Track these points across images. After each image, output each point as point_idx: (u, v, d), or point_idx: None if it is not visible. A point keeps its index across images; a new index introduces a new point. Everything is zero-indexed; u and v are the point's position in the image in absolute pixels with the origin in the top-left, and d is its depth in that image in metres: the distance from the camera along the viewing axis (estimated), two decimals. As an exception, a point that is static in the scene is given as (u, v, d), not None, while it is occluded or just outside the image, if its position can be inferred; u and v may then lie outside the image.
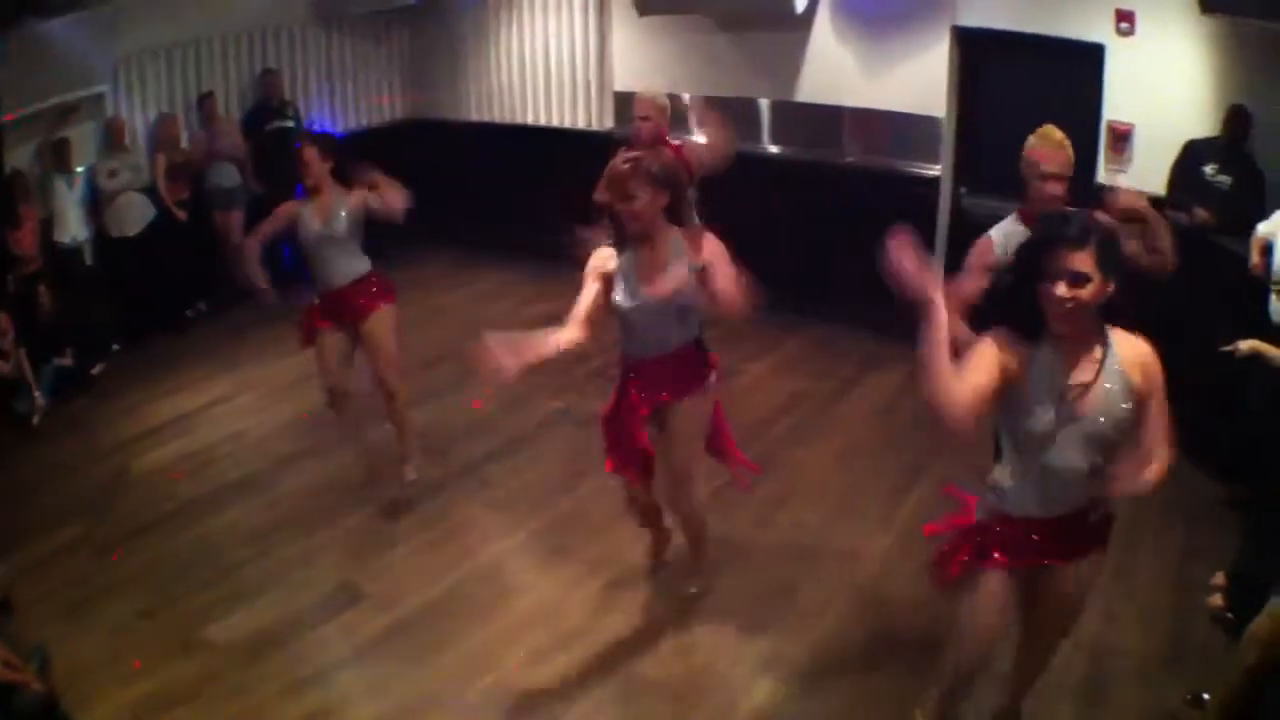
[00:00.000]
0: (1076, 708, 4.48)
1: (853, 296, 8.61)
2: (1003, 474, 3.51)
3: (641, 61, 10.10)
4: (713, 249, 4.64)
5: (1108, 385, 3.30)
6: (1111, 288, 3.21)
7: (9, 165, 8.75)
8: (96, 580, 5.92)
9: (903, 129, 8.46)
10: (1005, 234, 4.67)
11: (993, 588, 3.53)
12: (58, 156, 9.03)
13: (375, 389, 6.48)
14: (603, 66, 10.54)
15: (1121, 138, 7.08)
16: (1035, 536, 3.48)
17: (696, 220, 5.28)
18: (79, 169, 9.22)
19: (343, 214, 6.07)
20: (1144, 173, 6.89)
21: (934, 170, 8.32)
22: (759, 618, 5.20)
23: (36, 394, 8.10)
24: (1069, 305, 3.16)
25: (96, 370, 8.96)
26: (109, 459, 7.47)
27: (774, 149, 9.41)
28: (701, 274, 4.57)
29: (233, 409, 8.21)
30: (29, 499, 6.90)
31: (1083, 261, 3.12)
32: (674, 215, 4.65)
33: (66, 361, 8.63)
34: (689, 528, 5.25)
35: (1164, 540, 5.64)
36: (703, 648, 5.07)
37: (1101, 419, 3.30)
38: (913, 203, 8.24)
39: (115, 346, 9.39)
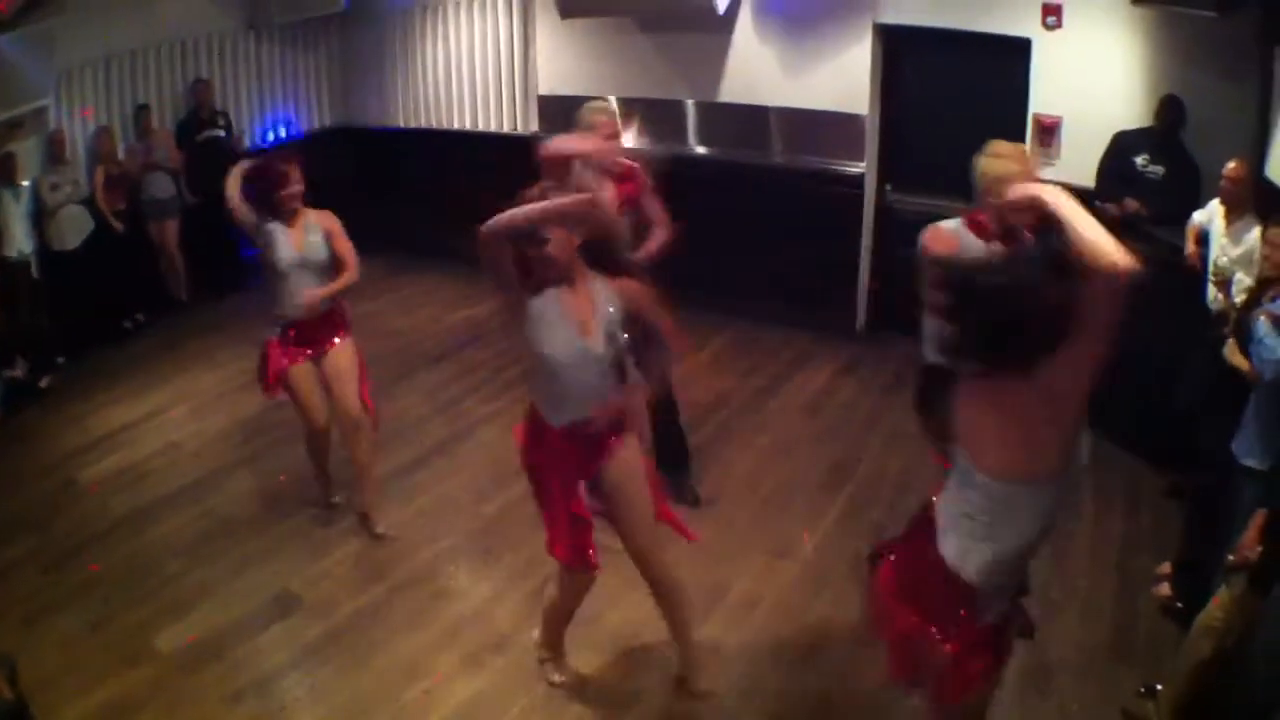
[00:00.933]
0: (1024, 698, 4.47)
1: (780, 294, 8.63)
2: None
3: (565, 65, 10.05)
4: (636, 294, 4.31)
5: None
6: None
7: None
8: (45, 595, 5.92)
9: (827, 127, 8.44)
10: (959, 236, 4.34)
11: None
12: (4, 170, 8.94)
13: (338, 425, 6.14)
14: (527, 70, 10.48)
15: (1048, 130, 7.12)
16: None
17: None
18: (24, 183, 9.14)
19: (319, 239, 5.75)
20: (1071, 165, 6.93)
21: (858, 168, 8.33)
22: (692, 614, 5.03)
23: None
24: None
25: (45, 383, 8.92)
26: (55, 471, 7.45)
27: (701, 150, 9.38)
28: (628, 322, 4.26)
29: (168, 421, 8.15)
30: None
31: None
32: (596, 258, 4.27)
33: (17, 373, 8.60)
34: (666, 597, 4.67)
35: (1102, 529, 5.67)
36: (635, 647, 5.03)
37: None
38: (839, 201, 8.33)
39: (60, 359, 9.32)
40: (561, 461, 4.29)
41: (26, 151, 9.25)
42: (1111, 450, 6.46)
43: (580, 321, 4.13)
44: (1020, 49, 7.14)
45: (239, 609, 5.67)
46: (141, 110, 10.15)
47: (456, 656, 5.10)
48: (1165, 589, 4.99)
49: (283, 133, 11.64)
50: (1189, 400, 5.58)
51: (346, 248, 5.77)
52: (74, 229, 9.43)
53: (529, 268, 4.10)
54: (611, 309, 4.20)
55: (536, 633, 4.89)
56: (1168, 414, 5.83)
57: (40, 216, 9.27)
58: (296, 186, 5.69)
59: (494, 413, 7.51)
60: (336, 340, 5.93)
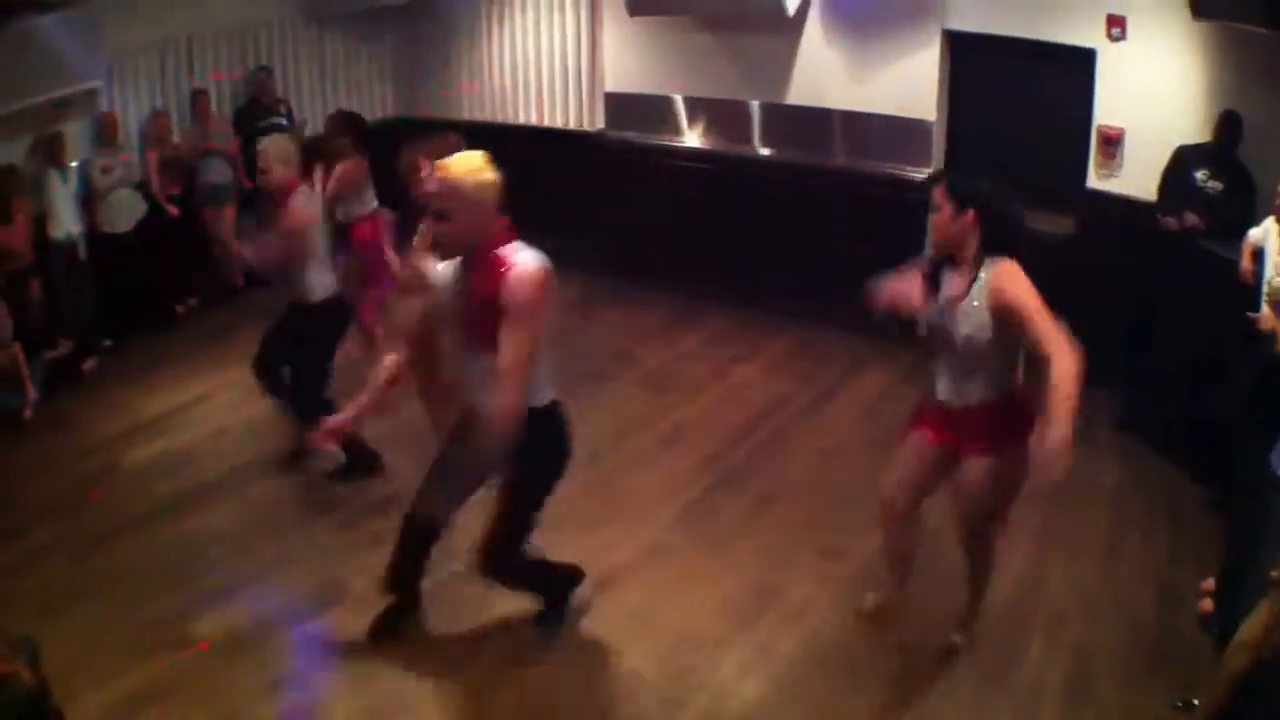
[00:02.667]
0: (1063, 707, 4.50)
1: (840, 299, 8.65)
2: None
3: (632, 62, 10.11)
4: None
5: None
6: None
7: (2, 159, 8.73)
8: (75, 579, 5.90)
9: (892, 132, 8.44)
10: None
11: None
12: (52, 151, 8.98)
13: None
14: (594, 67, 10.52)
15: (1111, 142, 7.08)
16: None
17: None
18: (73, 164, 9.18)
19: None
20: (1133, 177, 6.92)
21: (923, 174, 8.29)
22: (744, 617, 5.22)
23: (29, 388, 8.10)
24: None
25: (88, 366, 8.96)
26: (94, 456, 7.41)
27: (764, 151, 9.40)
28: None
29: (217, 406, 8.13)
30: (13, 495, 6.87)
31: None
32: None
33: (59, 352, 8.66)
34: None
35: (1148, 543, 5.68)
36: (689, 647, 5.05)
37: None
38: (902, 206, 8.23)
39: (107, 342, 9.38)
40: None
41: (75, 133, 9.26)
42: (1159, 463, 6.48)
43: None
44: (1085, 59, 7.10)
45: (279, 599, 5.65)
46: (199, 95, 10.15)
47: (506, 652, 5.07)
48: (1207, 604, 4.99)
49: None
50: (1230, 414, 5.62)
51: None
52: (125, 212, 9.47)
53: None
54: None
55: None
56: (1211, 426, 5.86)
57: (89, 199, 9.29)
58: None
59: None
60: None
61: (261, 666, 5.10)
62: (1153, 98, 6.90)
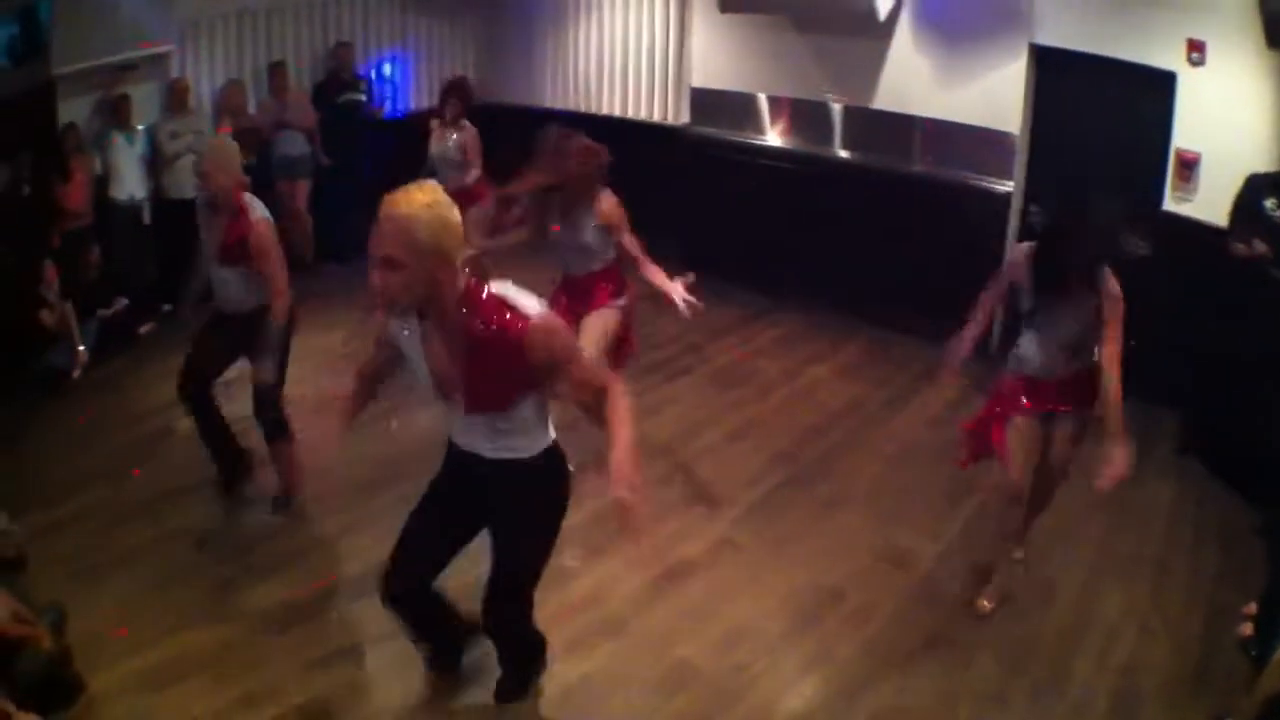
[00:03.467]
0: None
1: (913, 305, 8.72)
2: None
3: (720, 58, 10.19)
4: None
5: None
6: None
7: (65, 117, 8.80)
8: (118, 544, 5.89)
9: (975, 142, 8.47)
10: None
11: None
12: (118, 113, 9.03)
13: None
14: (681, 61, 10.60)
15: (1188, 166, 7.07)
16: None
17: None
18: (140, 127, 9.23)
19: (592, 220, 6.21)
20: (1207, 203, 6.90)
21: (1005, 186, 8.34)
22: (806, 617, 5.30)
23: (79, 349, 8.15)
24: None
25: (145, 329, 9.03)
26: (146, 421, 7.43)
27: (844, 154, 9.47)
28: None
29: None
30: (56, 458, 6.92)
31: None
32: None
33: (114, 310, 8.76)
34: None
35: (1198, 563, 5.73)
36: (748, 644, 5.10)
37: None
38: (981, 217, 8.36)
39: (166, 307, 9.26)
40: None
41: (143, 97, 9.31)
42: (1216, 486, 6.51)
43: None
44: (1166, 82, 7.09)
45: (338, 572, 5.67)
46: (276, 67, 10.20)
47: (566, 637, 4.99)
48: (1247, 628, 5.04)
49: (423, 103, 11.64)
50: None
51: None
52: (193, 179, 9.01)
53: None
54: None
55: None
56: (1266, 451, 5.88)
57: (156, 163, 9.31)
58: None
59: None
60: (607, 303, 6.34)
61: (309, 641, 5.10)
62: (1229, 124, 6.88)
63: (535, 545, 4.13)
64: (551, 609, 5.21)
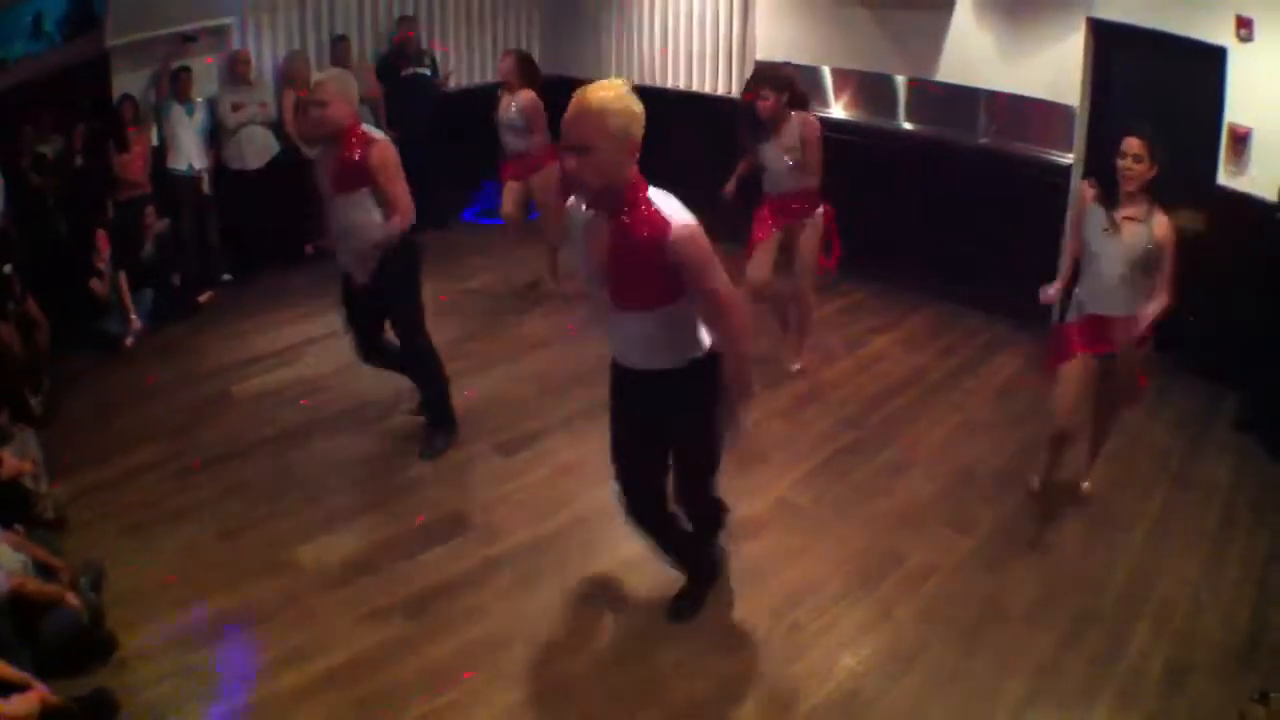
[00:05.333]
0: (1161, 692, 4.62)
1: (978, 277, 8.80)
2: None
3: (784, 31, 10.27)
4: None
5: None
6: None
7: (120, 89, 9.02)
8: (175, 499, 6.09)
9: (1036, 115, 8.52)
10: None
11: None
12: (177, 85, 9.20)
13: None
14: (746, 34, 10.67)
15: (1240, 140, 7.08)
16: None
17: None
18: (199, 99, 9.39)
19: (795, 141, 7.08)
20: (1259, 178, 6.93)
21: (1066, 158, 8.38)
22: (865, 579, 5.42)
23: (133, 317, 8.37)
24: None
25: (204, 298, 9.22)
26: (206, 383, 7.65)
27: (908, 126, 9.57)
28: None
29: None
30: (111, 418, 7.14)
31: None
32: None
33: (174, 282, 8.93)
34: None
35: (1254, 541, 5.75)
36: (806, 604, 5.22)
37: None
38: (1043, 189, 8.39)
39: (226, 276, 9.66)
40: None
41: (203, 69, 9.48)
42: (1273, 465, 6.52)
43: None
44: (1217, 57, 7.11)
45: (400, 527, 5.82)
46: (339, 40, 10.34)
47: (623, 593, 5.24)
48: None
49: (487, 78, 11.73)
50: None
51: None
52: (256, 150, 9.64)
53: None
54: None
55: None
56: None
57: (218, 134, 9.48)
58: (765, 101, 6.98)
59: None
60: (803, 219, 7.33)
61: (364, 596, 5.24)
62: (1277, 98, 6.88)
63: (705, 440, 4.44)
64: (605, 564, 5.48)
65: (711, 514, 4.91)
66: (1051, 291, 5.67)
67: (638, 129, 3.83)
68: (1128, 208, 5.24)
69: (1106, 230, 5.27)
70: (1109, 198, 5.29)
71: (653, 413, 4.41)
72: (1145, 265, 5.22)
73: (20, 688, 4.07)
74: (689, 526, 4.87)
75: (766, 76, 7.10)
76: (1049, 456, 5.96)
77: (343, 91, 5.93)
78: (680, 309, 4.07)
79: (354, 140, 5.88)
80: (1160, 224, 5.17)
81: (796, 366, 7.72)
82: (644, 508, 4.72)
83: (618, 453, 4.65)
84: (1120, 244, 5.24)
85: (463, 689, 4.66)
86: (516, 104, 8.60)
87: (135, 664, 4.77)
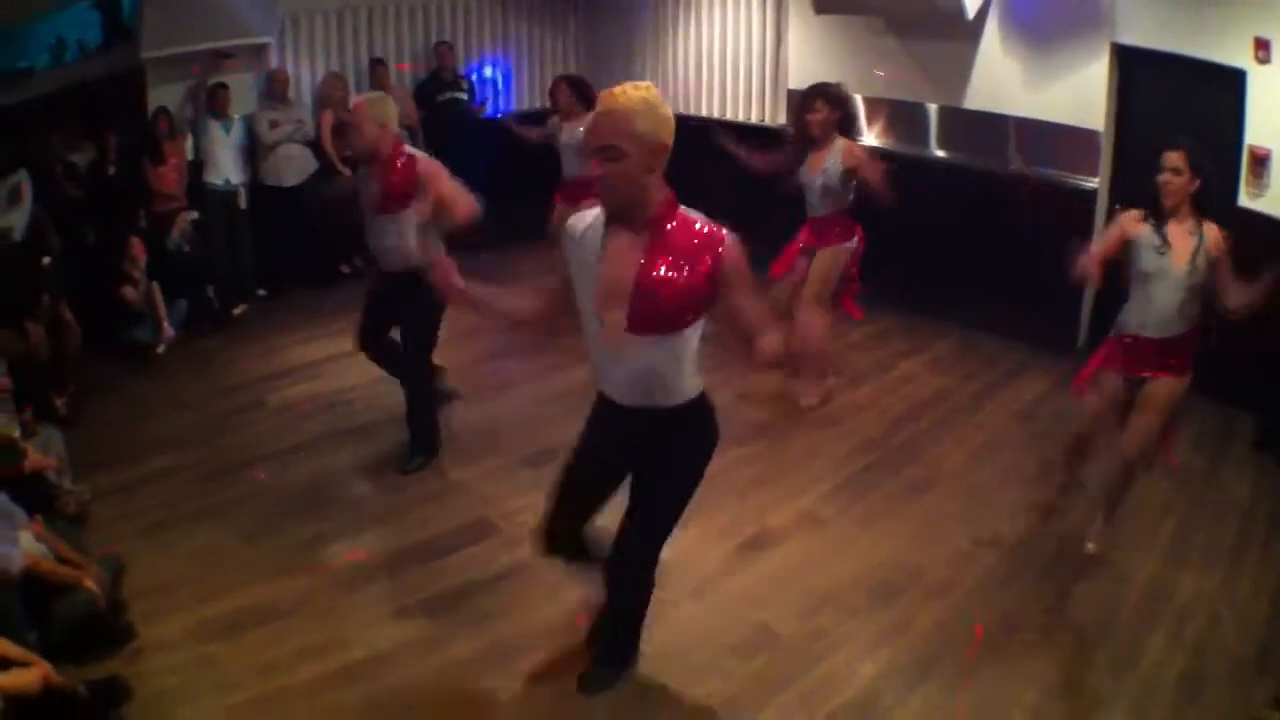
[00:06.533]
0: (1175, 702, 4.60)
1: (1003, 303, 8.78)
2: None
3: (816, 60, 10.30)
4: None
5: None
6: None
7: (155, 102, 9.17)
8: (197, 501, 6.19)
9: (1063, 140, 8.53)
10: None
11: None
12: (214, 101, 9.35)
13: None
14: (778, 62, 10.77)
15: (1260, 162, 7.08)
16: None
17: None
18: (236, 116, 9.55)
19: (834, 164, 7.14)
20: (1279, 198, 6.94)
21: (1092, 183, 8.39)
22: (886, 590, 5.43)
23: (165, 325, 8.48)
24: None
25: (238, 311, 9.35)
26: (235, 394, 7.77)
27: (940, 153, 9.59)
28: None
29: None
30: (138, 423, 7.26)
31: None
32: None
33: (209, 293, 9.07)
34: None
35: (1270, 557, 5.74)
36: (827, 612, 5.25)
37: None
38: (1070, 215, 8.35)
39: (261, 291, 9.78)
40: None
41: (240, 86, 9.62)
42: None
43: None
44: (1236, 79, 7.12)
45: (424, 532, 5.89)
46: (377, 64, 10.47)
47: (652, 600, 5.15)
48: None
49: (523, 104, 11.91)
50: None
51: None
52: (293, 167, 9.78)
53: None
54: None
55: None
56: None
57: (255, 151, 9.61)
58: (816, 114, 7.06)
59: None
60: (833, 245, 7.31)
61: (384, 597, 5.31)
62: None
63: (682, 492, 4.20)
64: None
65: (645, 585, 4.48)
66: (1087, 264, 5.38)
67: (666, 134, 3.68)
68: (1175, 224, 5.17)
69: (1159, 249, 5.15)
70: (1156, 216, 5.21)
71: (632, 455, 4.17)
72: (1205, 282, 5.14)
73: (22, 665, 4.11)
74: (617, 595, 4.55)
75: (821, 91, 7.17)
76: (1063, 475, 5.95)
77: (375, 113, 6.02)
78: (689, 339, 3.89)
79: (396, 159, 6.03)
80: (1211, 232, 5.12)
81: (808, 402, 7.61)
82: (572, 543, 4.51)
83: (569, 488, 4.35)
84: (1175, 262, 5.13)
85: (479, 690, 4.69)
86: (584, 127, 8.62)
87: (150, 654, 4.84)
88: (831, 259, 7.31)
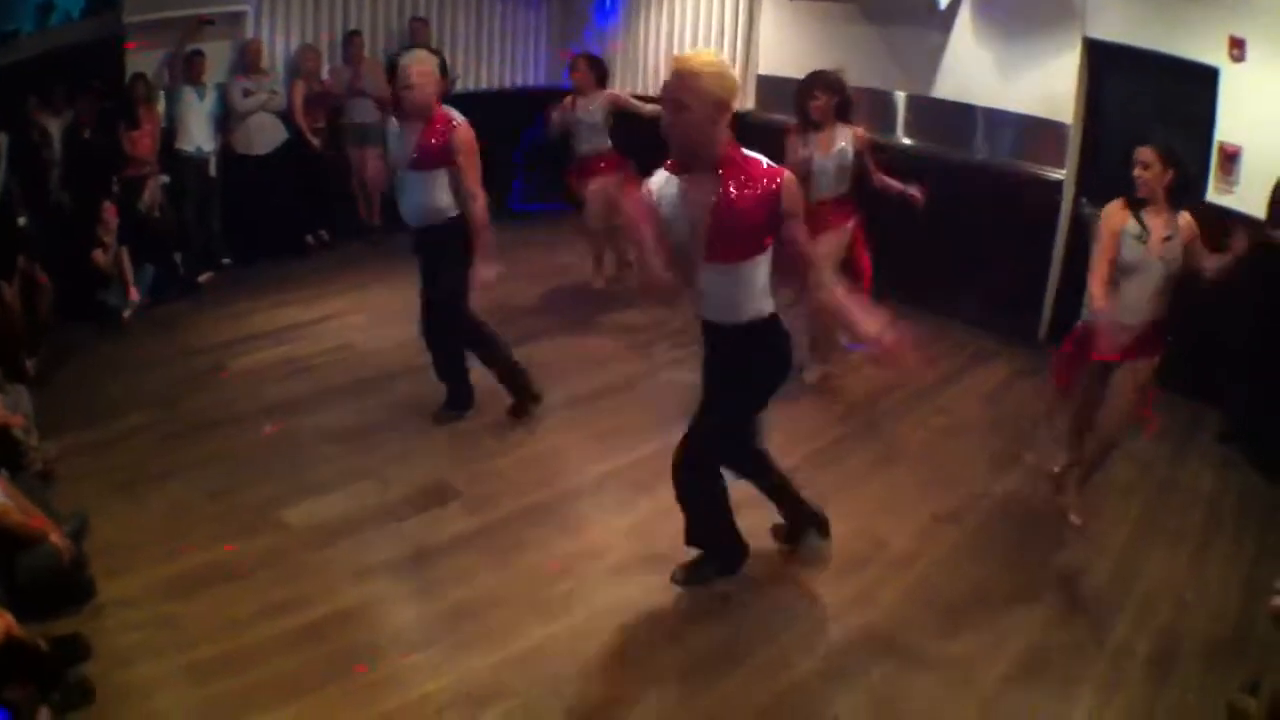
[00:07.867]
0: (1145, 681, 4.64)
1: (969, 293, 8.83)
2: None
3: (787, 47, 10.35)
4: None
5: None
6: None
7: (131, 69, 9.12)
8: (163, 461, 6.18)
9: (1031, 132, 8.59)
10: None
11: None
12: (190, 68, 9.34)
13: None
14: (749, 49, 10.77)
15: (1230, 159, 7.14)
16: None
17: None
18: (210, 83, 9.54)
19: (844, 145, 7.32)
20: (1248, 195, 6.96)
21: (1058, 174, 8.44)
22: (851, 563, 5.45)
23: (132, 290, 8.47)
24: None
25: (204, 278, 9.38)
26: (201, 357, 7.79)
27: (908, 141, 9.60)
28: None
29: (344, 325, 8.40)
30: (104, 385, 7.26)
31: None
32: None
33: (177, 259, 9.08)
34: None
35: (1236, 545, 5.79)
36: (790, 583, 5.28)
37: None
38: (1035, 206, 8.50)
39: (226, 260, 9.78)
40: None
41: (215, 53, 9.58)
42: (1256, 476, 6.57)
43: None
44: (1209, 77, 7.18)
45: (389, 494, 5.90)
46: (352, 36, 10.45)
47: (605, 566, 5.29)
48: (1277, 601, 5.13)
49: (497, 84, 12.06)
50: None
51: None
52: (264, 137, 9.80)
53: None
54: None
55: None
56: None
57: (227, 119, 9.62)
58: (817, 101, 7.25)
59: (680, 359, 7.63)
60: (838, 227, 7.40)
61: (351, 556, 5.31)
62: (1270, 119, 6.91)
63: (745, 402, 4.80)
64: (595, 535, 5.57)
65: (702, 479, 4.94)
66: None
67: (728, 94, 4.22)
68: (1152, 215, 5.38)
69: (1138, 237, 5.35)
70: (1135, 207, 5.41)
71: (728, 364, 4.68)
72: (1180, 272, 5.40)
73: None
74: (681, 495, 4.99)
75: (820, 79, 7.34)
76: (1072, 454, 6.10)
77: (429, 72, 6.21)
78: (761, 266, 4.43)
79: (438, 122, 6.19)
80: (1184, 218, 5.39)
81: (810, 379, 7.70)
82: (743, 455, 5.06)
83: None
84: (1152, 251, 5.35)
85: (438, 649, 4.69)
86: (597, 103, 8.83)
87: (113, 610, 4.80)
88: (836, 242, 7.36)
